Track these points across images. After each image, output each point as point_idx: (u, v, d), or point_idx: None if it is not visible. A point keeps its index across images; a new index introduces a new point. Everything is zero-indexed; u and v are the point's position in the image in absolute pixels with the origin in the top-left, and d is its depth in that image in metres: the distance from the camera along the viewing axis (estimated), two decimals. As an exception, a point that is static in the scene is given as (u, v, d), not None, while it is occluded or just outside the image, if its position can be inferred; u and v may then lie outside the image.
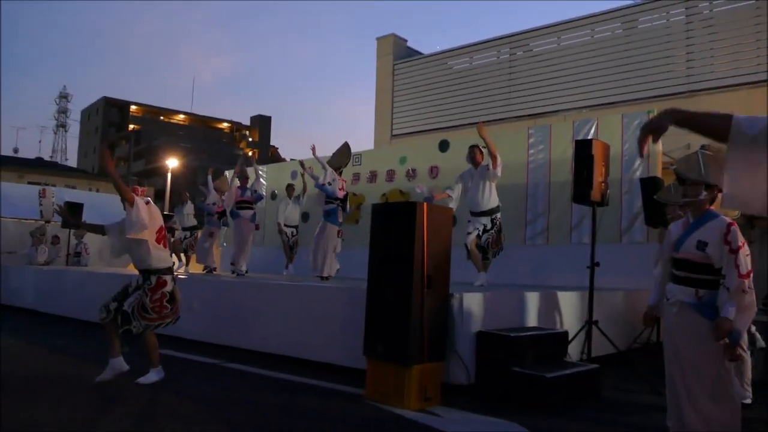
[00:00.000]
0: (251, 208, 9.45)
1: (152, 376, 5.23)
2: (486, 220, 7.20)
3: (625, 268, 8.02)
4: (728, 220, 3.42)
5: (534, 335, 5.33)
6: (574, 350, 6.07)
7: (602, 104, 13.51)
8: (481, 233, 7.19)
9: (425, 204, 4.81)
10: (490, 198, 7.24)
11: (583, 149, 6.11)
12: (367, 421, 4.39)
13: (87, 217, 14.69)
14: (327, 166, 8.66)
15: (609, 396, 5.29)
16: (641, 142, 2.13)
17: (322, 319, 6.12)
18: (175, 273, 5.57)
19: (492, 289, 6.18)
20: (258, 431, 4.14)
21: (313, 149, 9.03)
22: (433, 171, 10.72)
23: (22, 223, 15.26)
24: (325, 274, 8.43)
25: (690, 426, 3.34)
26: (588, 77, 14.10)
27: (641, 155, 2.13)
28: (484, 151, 7.30)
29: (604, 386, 5.38)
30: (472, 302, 5.23)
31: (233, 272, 9.38)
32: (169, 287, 5.17)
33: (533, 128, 10.11)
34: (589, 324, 6.11)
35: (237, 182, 9.59)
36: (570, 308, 6.44)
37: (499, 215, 7.33)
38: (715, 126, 1.99)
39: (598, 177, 6.02)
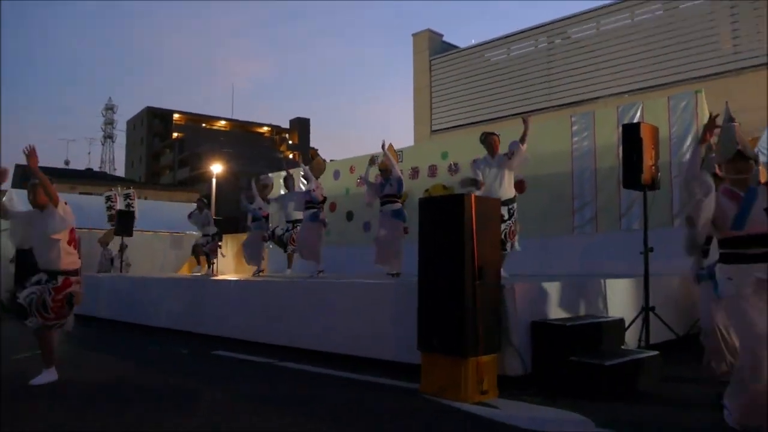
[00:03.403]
0: (313, 207, 9.38)
1: (45, 377, 5.26)
2: (503, 211, 6.73)
3: (678, 253, 7.74)
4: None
5: (590, 323, 5.26)
6: (631, 338, 5.96)
7: (646, 88, 13.23)
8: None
9: (473, 196, 4.79)
10: (509, 188, 6.97)
11: (630, 133, 5.99)
12: (425, 415, 4.40)
13: (138, 224, 15.28)
14: (396, 168, 8.48)
15: (671, 383, 5.17)
16: None
17: (373, 315, 6.14)
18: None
19: (545, 279, 6.10)
20: (317, 429, 4.18)
21: (383, 146, 8.69)
22: (476, 164, 10.64)
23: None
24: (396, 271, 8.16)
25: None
26: (630, 61, 13.83)
27: None
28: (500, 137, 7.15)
29: (665, 373, 5.27)
30: (525, 292, 5.19)
31: (319, 273, 9.19)
32: (73, 289, 5.23)
33: (576, 116, 9.94)
34: (645, 310, 6.00)
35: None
36: (625, 295, 6.33)
37: (515, 205, 7.04)
38: None
39: (647, 161, 5.90)
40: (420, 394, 4.88)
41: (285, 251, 10.22)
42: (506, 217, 6.84)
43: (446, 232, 4.82)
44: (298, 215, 10.00)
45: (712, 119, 3.76)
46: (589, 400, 4.55)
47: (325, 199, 9.61)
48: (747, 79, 11.90)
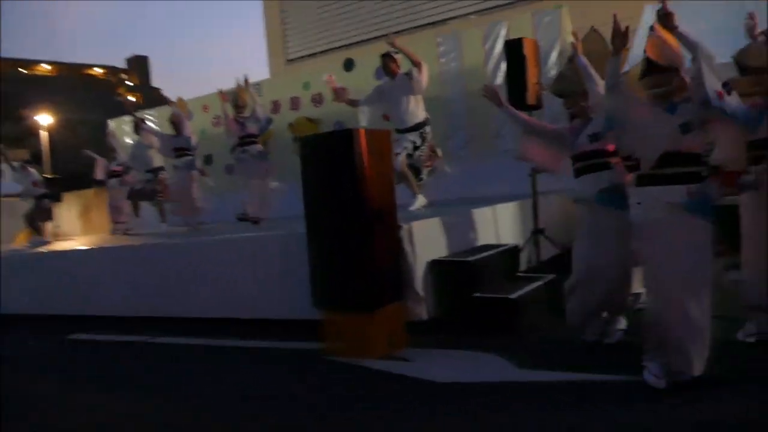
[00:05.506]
0: (188, 154, 8.46)
1: None
2: (414, 137, 6.43)
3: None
4: None
5: (490, 255, 4.99)
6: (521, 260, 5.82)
7: (509, 3, 13.08)
8: (411, 151, 6.44)
9: (362, 131, 4.25)
10: (417, 111, 6.50)
11: (514, 50, 5.67)
12: (334, 378, 3.97)
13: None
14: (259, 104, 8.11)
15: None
16: None
17: (262, 271, 5.45)
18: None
19: (436, 213, 5.74)
20: (219, 407, 3.61)
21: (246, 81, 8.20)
22: (342, 93, 10.02)
23: None
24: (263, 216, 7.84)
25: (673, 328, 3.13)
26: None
27: None
28: (398, 57, 6.61)
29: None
30: (422, 231, 4.79)
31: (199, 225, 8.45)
32: None
33: (441, 37, 9.57)
34: (535, 233, 5.88)
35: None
36: (512, 219, 6.17)
37: (428, 128, 6.59)
38: None
39: (532, 78, 5.63)
40: (323, 356, 4.40)
41: (153, 204, 9.28)
42: (419, 143, 6.46)
43: (335, 173, 4.27)
44: (159, 162, 9.08)
45: (624, 31, 3.27)
46: (499, 337, 4.33)
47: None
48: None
